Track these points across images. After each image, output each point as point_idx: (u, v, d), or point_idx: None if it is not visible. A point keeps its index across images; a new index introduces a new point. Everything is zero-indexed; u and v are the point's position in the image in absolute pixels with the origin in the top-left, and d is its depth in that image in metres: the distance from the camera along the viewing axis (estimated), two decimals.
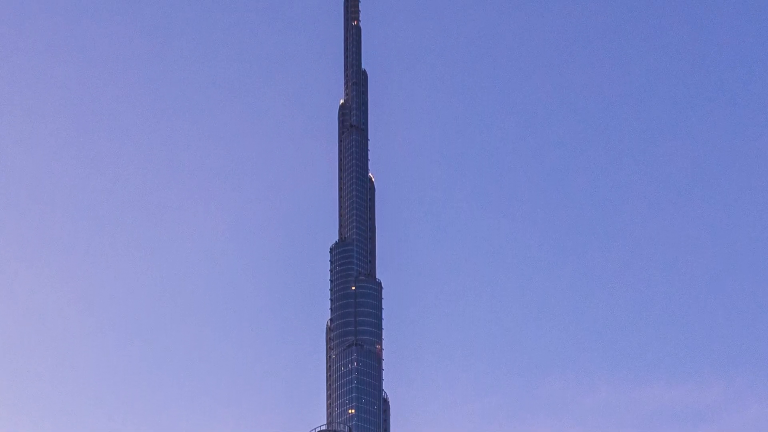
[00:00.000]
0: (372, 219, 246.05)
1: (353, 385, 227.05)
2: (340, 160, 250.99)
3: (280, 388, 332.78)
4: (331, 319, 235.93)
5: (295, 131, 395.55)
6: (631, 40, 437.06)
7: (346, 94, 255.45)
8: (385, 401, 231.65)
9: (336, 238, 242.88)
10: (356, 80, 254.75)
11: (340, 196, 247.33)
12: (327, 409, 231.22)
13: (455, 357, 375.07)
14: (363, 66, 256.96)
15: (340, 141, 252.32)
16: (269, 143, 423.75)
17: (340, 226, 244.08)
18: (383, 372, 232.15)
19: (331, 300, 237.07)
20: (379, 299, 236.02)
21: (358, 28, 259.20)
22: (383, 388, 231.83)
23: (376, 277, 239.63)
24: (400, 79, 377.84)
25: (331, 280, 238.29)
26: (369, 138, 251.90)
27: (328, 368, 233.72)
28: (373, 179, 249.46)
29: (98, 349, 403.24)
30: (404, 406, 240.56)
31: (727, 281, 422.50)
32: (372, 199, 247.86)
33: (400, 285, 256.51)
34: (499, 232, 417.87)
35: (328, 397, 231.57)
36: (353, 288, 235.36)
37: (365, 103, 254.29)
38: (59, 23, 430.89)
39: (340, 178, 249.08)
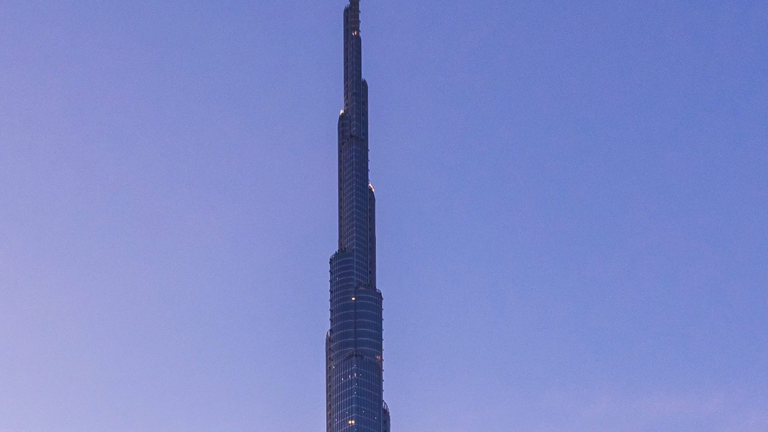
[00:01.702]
0: (372, 229, 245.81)
1: (353, 396, 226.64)
2: (339, 170, 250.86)
3: (279, 399, 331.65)
4: (330, 330, 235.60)
5: (295, 141, 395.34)
6: (632, 51, 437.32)
7: (346, 105, 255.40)
8: (385, 412, 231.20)
9: (336, 248, 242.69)
10: (356, 90, 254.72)
11: (340, 207, 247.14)
12: (327, 420, 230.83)
13: (456, 368, 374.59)
14: (363, 76, 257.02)
15: (339, 151, 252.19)
16: (269, 153, 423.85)
17: (340, 236, 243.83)
18: (383, 383, 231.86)
19: (330, 311, 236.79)
20: (379, 310, 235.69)
21: (358, 39, 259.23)
22: (383, 399, 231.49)
23: (376, 287, 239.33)
24: (400, 90, 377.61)
25: (331, 291, 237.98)
26: (369, 148, 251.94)
27: (328, 379, 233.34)
28: (373, 189, 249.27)
29: (97, 360, 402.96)
30: (404, 417, 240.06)
31: (727, 291, 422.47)
32: (372, 210, 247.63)
33: (400, 295, 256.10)
34: (499, 243, 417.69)
35: (328, 408, 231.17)
36: (353, 299, 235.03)
37: (365, 114, 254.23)
38: (58, 31, 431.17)
39: (340, 189, 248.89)
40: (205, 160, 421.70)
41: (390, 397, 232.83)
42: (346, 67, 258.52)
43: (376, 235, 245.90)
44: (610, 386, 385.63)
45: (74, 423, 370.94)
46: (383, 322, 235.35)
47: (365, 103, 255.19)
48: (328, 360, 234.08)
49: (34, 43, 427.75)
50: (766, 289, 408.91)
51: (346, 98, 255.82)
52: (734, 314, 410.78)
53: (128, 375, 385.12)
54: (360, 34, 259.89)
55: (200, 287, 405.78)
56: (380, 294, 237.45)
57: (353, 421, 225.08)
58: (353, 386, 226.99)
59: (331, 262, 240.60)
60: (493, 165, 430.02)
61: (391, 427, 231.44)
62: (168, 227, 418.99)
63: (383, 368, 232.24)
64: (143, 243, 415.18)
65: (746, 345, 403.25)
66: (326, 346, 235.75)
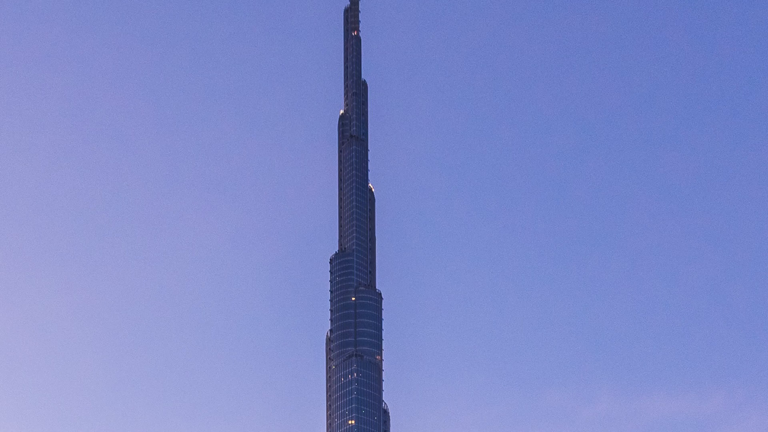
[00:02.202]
0: (372, 229, 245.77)
1: (353, 396, 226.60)
2: (340, 170, 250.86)
3: (279, 399, 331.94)
4: (330, 330, 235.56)
5: (295, 141, 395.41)
6: (632, 51, 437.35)
7: (346, 105, 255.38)
8: (385, 412, 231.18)
9: (336, 248, 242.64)
10: (356, 90, 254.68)
11: (340, 207, 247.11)
12: (327, 420, 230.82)
13: (455, 368, 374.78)
14: (363, 76, 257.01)
15: (340, 151, 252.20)
16: (269, 153, 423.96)
17: (340, 236, 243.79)
18: (383, 383, 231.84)
19: (330, 311, 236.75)
20: (379, 310, 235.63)
21: (358, 39, 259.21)
22: (383, 399, 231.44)
23: (376, 287, 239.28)
24: (400, 90, 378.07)
25: (331, 291, 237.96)
26: (369, 148, 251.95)
27: (328, 379, 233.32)
28: (373, 189, 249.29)
29: (97, 360, 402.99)
30: (404, 417, 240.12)
31: (728, 292, 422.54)
32: (372, 210, 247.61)
33: (400, 295, 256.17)
34: (499, 243, 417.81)
35: (328, 408, 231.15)
36: (353, 299, 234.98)
37: (365, 114, 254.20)
38: (58, 31, 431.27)
39: (340, 189, 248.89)
40: (205, 160, 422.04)
41: (390, 397, 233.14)
42: (346, 67, 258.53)
43: (376, 235, 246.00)
44: (610, 386, 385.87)
45: (74, 423, 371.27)
46: (383, 322, 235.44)
47: (365, 103, 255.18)
48: (328, 360, 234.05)
49: (34, 43, 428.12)
50: (766, 289, 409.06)
51: (346, 98, 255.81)
52: (734, 314, 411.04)
53: (128, 375, 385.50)
54: (360, 34, 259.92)
55: (200, 287, 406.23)
56: (380, 294, 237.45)
57: (353, 421, 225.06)
58: (353, 386, 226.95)
59: (331, 262, 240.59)
60: (493, 165, 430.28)
61: (391, 427, 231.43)
62: (168, 227, 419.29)
63: (383, 368, 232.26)
64: (143, 243, 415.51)
65: (746, 345, 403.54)
66: (326, 346, 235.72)
